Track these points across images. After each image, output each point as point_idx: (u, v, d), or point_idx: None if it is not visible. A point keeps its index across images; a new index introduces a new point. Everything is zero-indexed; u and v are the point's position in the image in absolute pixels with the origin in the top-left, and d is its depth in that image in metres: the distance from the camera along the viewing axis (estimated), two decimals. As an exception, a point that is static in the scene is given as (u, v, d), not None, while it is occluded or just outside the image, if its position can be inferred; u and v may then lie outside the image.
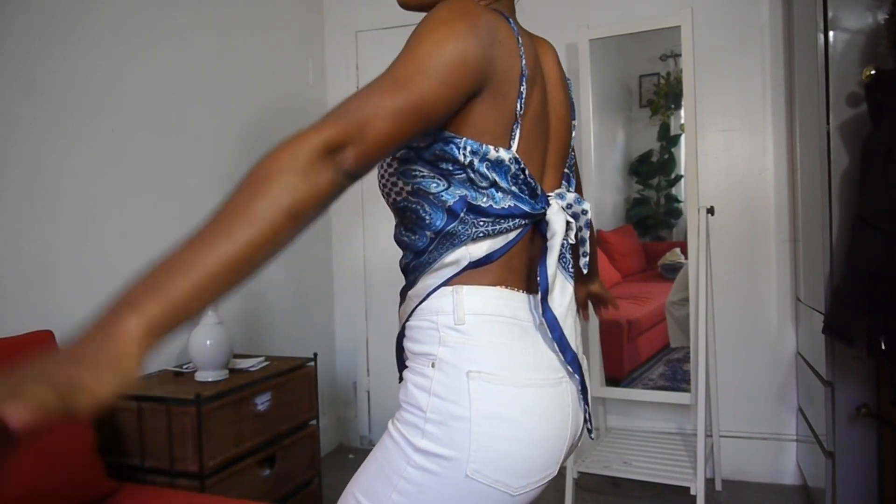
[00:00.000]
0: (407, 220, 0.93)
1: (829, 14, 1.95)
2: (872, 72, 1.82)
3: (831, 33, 1.96)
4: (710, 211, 2.47)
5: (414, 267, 0.93)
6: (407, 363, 0.92)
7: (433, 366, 0.86)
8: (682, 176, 2.70)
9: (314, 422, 2.28)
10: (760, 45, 2.69)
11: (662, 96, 2.73)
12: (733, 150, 2.75)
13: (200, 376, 2.01)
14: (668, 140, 2.76)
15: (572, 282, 0.99)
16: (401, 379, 0.93)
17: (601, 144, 2.73)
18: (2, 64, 1.76)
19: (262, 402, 2.03)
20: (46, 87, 1.87)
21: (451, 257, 0.89)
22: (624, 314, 2.75)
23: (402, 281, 0.97)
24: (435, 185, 0.88)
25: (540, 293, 0.90)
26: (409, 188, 0.90)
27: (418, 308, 0.90)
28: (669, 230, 2.83)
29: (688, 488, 2.27)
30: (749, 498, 2.57)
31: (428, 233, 0.90)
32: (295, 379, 2.18)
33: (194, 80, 2.43)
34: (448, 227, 0.88)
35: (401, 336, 0.96)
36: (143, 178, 2.19)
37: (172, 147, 2.31)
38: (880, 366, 1.90)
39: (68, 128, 1.93)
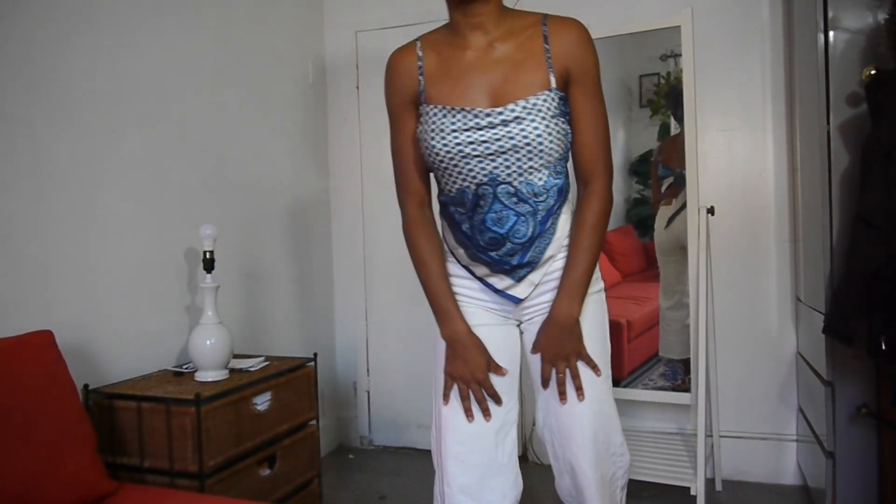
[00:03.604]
0: None
1: (829, 14, 1.95)
2: (872, 72, 1.82)
3: (831, 33, 1.96)
4: (710, 211, 2.47)
5: None
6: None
7: None
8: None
9: (314, 422, 2.28)
10: (760, 45, 2.69)
11: (662, 96, 2.73)
12: (733, 150, 2.75)
13: (200, 376, 2.01)
14: (669, 140, 2.76)
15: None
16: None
17: (601, 144, 2.72)
18: (2, 63, 1.76)
19: (262, 402, 2.03)
20: (46, 86, 1.87)
21: None
22: (624, 314, 2.75)
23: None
24: None
25: None
26: None
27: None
28: (669, 230, 2.82)
29: (688, 488, 2.27)
30: (749, 498, 2.57)
31: None
32: (295, 379, 2.18)
33: (194, 79, 2.43)
34: None
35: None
36: (143, 177, 2.19)
37: (172, 147, 2.31)
38: (880, 366, 1.90)
39: (68, 127, 1.93)
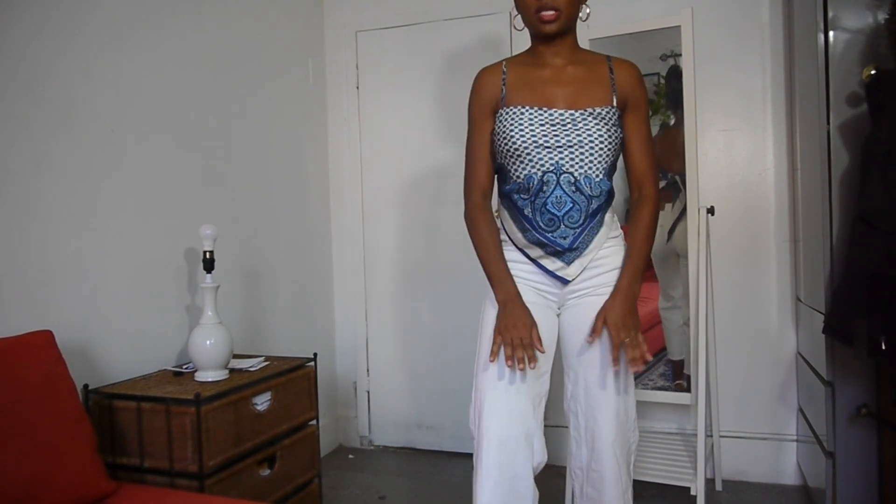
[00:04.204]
0: None
1: (829, 14, 1.95)
2: (872, 72, 1.82)
3: (831, 33, 1.96)
4: (710, 211, 2.47)
5: None
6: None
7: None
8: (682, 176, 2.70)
9: (314, 422, 2.28)
10: (760, 45, 2.69)
11: (662, 96, 2.73)
12: (733, 150, 2.75)
13: (200, 376, 2.01)
14: (669, 140, 2.75)
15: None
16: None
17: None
18: (2, 63, 1.76)
19: (262, 402, 2.03)
20: (46, 86, 1.87)
21: None
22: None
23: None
24: None
25: None
26: None
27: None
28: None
29: (688, 488, 2.27)
30: (749, 498, 2.57)
31: None
32: (295, 379, 2.18)
33: (194, 79, 2.43)
34: None
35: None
36: (143, 177, 2.19)
37: (172, 147, 2.31)
38: (880, 366, 1.90)
39: (68, 127, 1.93)
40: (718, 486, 2.64)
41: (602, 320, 1.57)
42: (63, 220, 1.91)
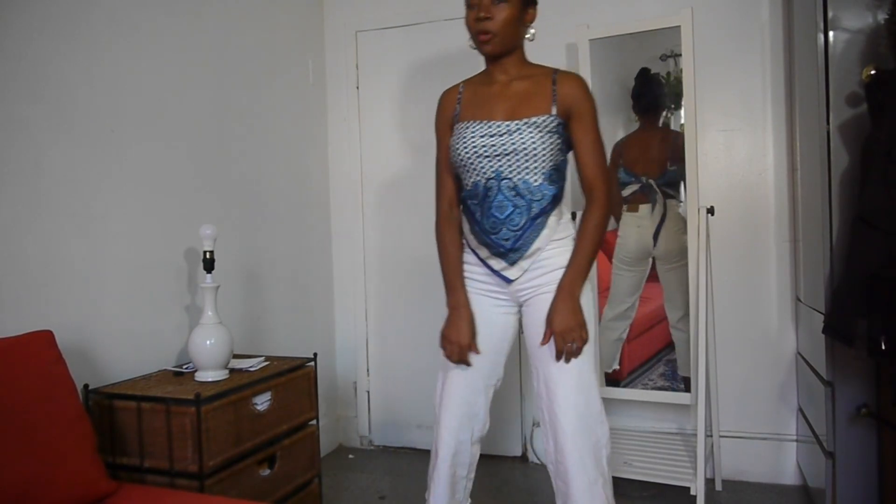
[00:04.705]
0: None
1: (829, 14, 1.95)
2: (872, 72, 1.82)
3: (831, 33, 1.96)
4: (710, 211, 2.47)
5: None
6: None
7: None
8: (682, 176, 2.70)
9: (314, 422, 2.28)
10: (760, 45, 2.69)
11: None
12: (733, 150, 2.75)
13: (200, 376, 2.01)
14: (668, 140, 2.75)
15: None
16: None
17: (601, 144, 2.72)
18: (2, 63, 1.76)
19: (262, 402, 2.03)
20: (46, 86, 1.87)
21: None
22: (624, 314, 2.76)
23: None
24: None
25: None
26: None
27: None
28: (669, 230, 2.82)
29: (688, 488, 2.28)
30: (749, 498, 2.57)
31: None
32: (295, 379, 2.18)
33: (194, 79, 2.43)
34: None
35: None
36: (143, 177, 2.19)
37: (172, 147, 2.31)
38: (880, 366, 1.90)
39: (68, 128, 1.93)
40: (718, 486, 2.64)
41: (549, 325, 1.68)
42: (63, 220, 1.91)
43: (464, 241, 1.83)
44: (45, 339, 1.62)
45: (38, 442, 1.47)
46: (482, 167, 1.69)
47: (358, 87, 3.23)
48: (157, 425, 1.81)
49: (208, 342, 2.00)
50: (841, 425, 2.00)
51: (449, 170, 1.82)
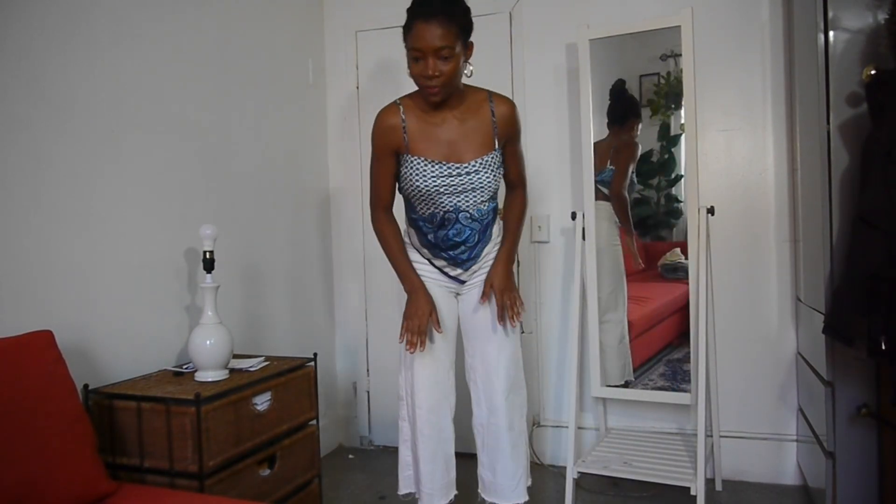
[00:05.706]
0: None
1: (829, 14, 1.95)
2: (872, 72, 1.82)
3: (831, 33, 1.96)
4: (710, 211, 2.47)
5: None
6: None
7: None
8: (682, 176, 2.70)
9: (314, 422, 2.28)
10: (760, 45, 2.69)
11: (662, 96, 2.73)
12: (733, 150, 2.75)
13: (200, 376, 2.01)
14: (669, 140, 2.75)
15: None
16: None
17: (601, 144, 2.72)
18: (2, 63, 1.76)
19: (262, 402, 2.03)
20: (46, 86, 1.87)
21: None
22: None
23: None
24: None
25: None
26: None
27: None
28: (670, 230, 2.82)
29: (688, 488, 2.27)
30: (749, 498, 2.57)
31: None
32: (295, 379, 2.18)
33: (194, 79, 2.43)
34: None
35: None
36: (143, 177, 2.19)
37: (172, 147, 2.31)
38: (880, 366, 1.90)
39: (67, 128, 1.93)
40: (718, 486, 2.64)
41: (489, 285, 1.98)
42: (63, 220, 1.91)
43: (406, 240, 2.06)
44: (45, 339, 1.62)
45: (38, 442, 1.48)
46: (441, 202, 1.92)
47: (358, 87, 3.23)
48: (157, 425, 1.81)
49: (208, 342, 2.00)
50: (841, 425, 2.00)
51: (390, 182, 1.98)
